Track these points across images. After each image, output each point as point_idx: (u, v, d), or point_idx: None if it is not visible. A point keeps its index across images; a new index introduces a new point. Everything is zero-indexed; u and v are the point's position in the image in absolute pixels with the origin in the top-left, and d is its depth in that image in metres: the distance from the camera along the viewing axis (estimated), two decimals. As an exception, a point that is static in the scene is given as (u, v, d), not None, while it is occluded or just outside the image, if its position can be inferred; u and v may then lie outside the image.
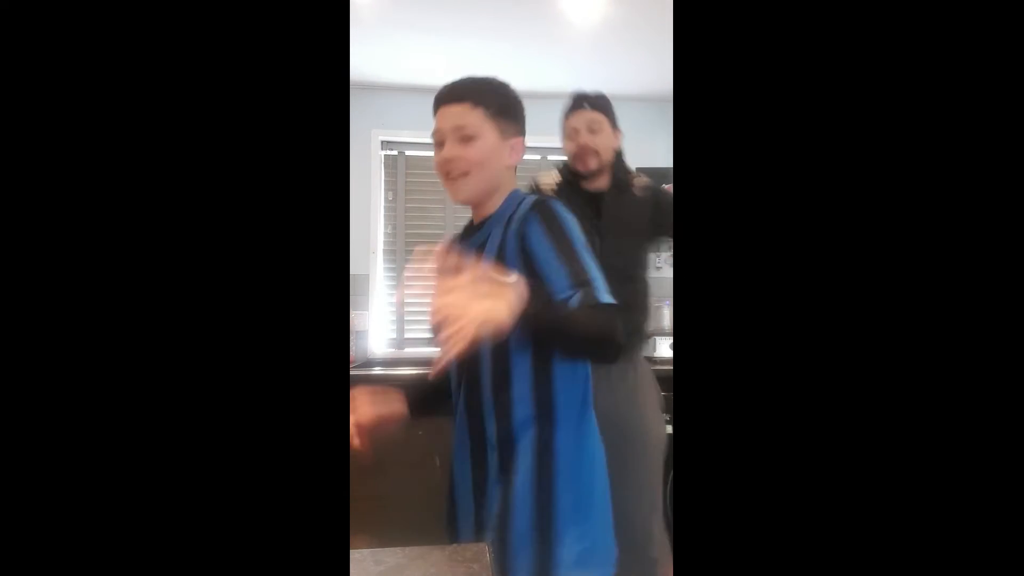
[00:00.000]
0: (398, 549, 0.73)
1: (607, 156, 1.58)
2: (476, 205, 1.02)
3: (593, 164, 1.55)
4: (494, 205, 1.01)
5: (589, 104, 1.57)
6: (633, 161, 2.99)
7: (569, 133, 1.59)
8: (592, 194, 1.59)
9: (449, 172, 0.98)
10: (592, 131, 1.55)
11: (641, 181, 1.67)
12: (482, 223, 1.01)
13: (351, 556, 0.68)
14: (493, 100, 1.00)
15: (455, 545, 0.75)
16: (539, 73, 2.63)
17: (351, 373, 2.29)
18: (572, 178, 1.62)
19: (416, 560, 0.70)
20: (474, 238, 1.01)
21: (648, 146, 2.95)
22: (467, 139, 0.97)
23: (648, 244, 1.67)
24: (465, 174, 0.97)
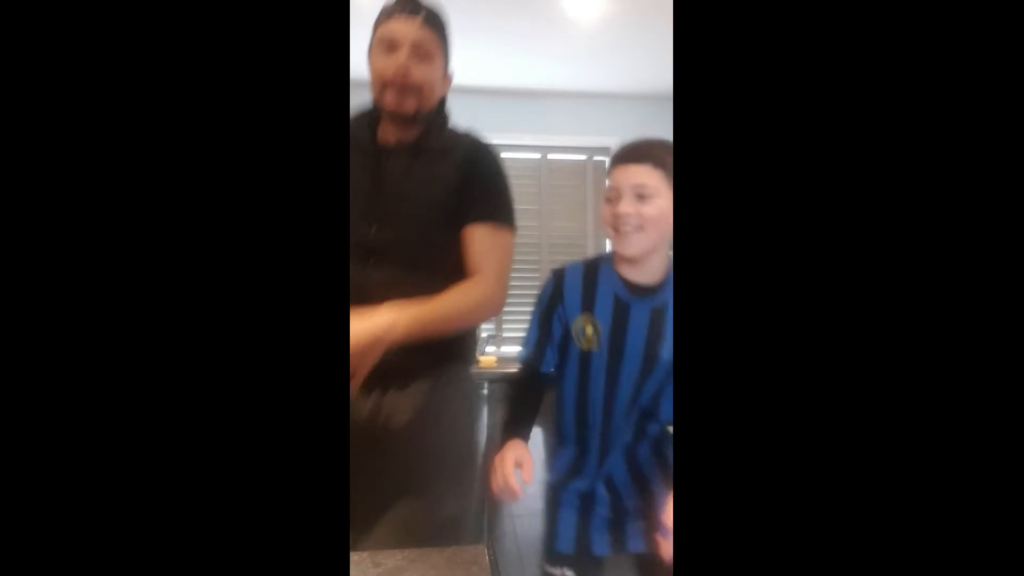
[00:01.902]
0: (397, 551, 0.73)
1: (429, 101, 1.05)
2: (637, 262, 1.05)
3: (410, 105, 1.02)
4: (661, 268, 1.05)
5: (424, 16, 1.03)
6: (633, 161, 3.00)
7: (382, 45, 1.02)
8: (387, 148, 1.06)
9: (621, 226, 1.00)
10: (419, 56, 1.02)
11: (455, 136, 1.11)
12: (658, 287, 1.06)
13: (350, 558, 0.68)
14: (671, 163, 1.00)
15: (454, 547, 0.75)
16: (539, 73, 2.63)
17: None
18: (369, 120, 1.09)
19: (415, 562, 0.70)
20: (651, 299, 1.04)
21: (648, 146, 2.95)
22: (644, 198, 0.99)
23: (445, 232, 1.05)
24: (640, 228, 1.00)
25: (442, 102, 1.11)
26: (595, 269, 1.09)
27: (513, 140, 3.12)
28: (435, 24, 1.04)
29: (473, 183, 1.06)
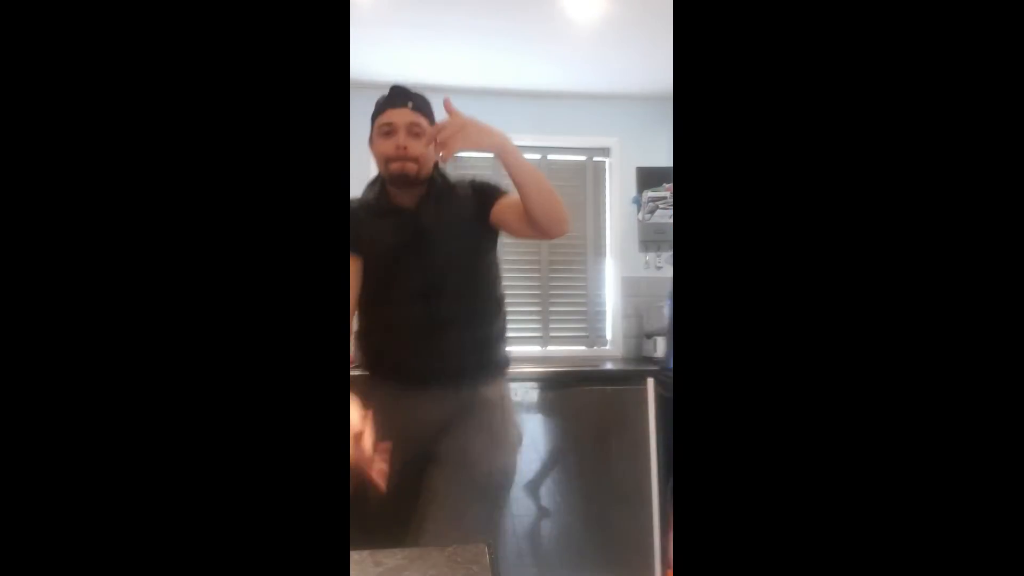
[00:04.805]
0: (397, 550, 0.73)
1: (425, 169, 1.34)
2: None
3: (412, 169, 1.31)
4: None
5: (413, 104, 1.33)
6: (633, 161, 2.99)
7: (385, 129, 1.31)
8: (404, 209, 1.35)
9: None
10: (414, 134, 1.31)
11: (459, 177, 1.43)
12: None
13: (351, 557, 0.68)
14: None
15: (454, 547, 0.75)
16: (539, 73, 2.63)
17: (351, 374, 2.28)
18: (380, 191, 1.38)
19: (416, 561, 0.70)
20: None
21: (648, 145, 2.95)
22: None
23: (481, 244, 1.39)
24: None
25: (436, 167, 1.39)
26: None
27: (513, 140, 3.11)
28: (423, 108, 1.33)
29: (483, 186, 1.37)
